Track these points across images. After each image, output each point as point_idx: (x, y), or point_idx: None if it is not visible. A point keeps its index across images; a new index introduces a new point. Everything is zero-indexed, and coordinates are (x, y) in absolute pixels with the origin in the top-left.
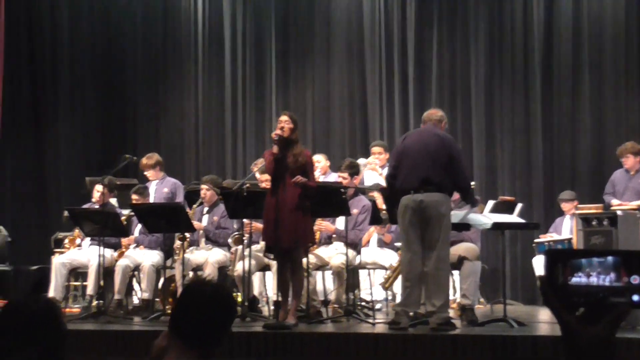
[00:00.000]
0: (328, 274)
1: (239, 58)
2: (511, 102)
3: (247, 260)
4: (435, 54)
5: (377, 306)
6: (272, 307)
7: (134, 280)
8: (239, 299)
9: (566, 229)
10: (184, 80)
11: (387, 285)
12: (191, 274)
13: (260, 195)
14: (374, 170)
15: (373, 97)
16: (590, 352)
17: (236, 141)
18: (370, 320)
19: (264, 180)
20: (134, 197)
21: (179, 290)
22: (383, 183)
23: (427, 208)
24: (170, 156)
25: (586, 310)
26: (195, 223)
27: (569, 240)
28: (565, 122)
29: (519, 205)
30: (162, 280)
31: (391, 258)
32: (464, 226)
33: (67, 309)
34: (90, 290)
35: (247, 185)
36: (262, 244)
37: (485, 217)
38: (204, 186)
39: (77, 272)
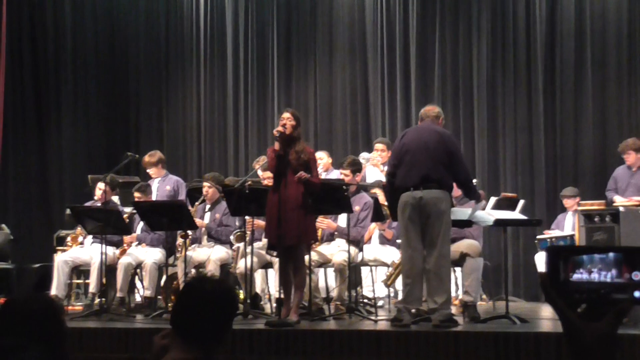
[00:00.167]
0: (330, 271)
1: (241, 56)
2: (514, 99)
3: (249, 258)
4: (437, 51)
5: (379, 303)
6: (274, 305)
7: (136, 278)
8: (241, 296)
9: (568, 226)
10: (186, 78)
11: (389, 282)
12: (193, 271)
13: (262, 192)
14: (376, 166)
15: (375, 94)
16: (593, 348)
17: (238, 139)
18: (373, 317)
19: (266, 178)
20: (137, 194)
21: (181, 287)
22: (385, 180)
23: (426, 205)
24: (172, 154)
25: (588, 307)
26: (198, 220)
27: (572, 236)
28: (567, 119)
29: (521, 202)
30: (164, 278)
31: (393, 255)
32: (465, 223)
33: (70, 307)
34: (92, 288)
35: (249, 182)
36: (264, 241)
37: (488, 213)
38: (206, 184)
39: (79, 270)
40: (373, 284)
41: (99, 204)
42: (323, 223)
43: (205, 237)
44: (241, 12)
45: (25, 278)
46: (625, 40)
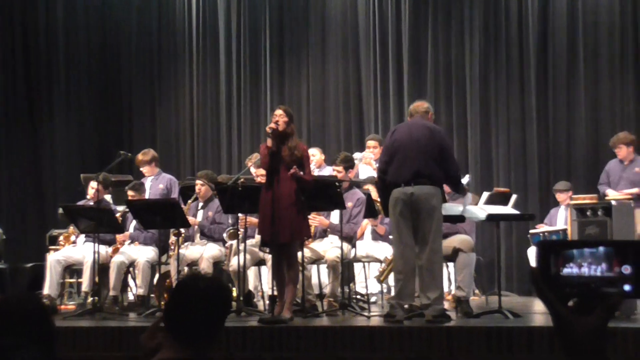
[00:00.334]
0: (323, 268)
1: (234, 53)
2: (506, 93)
3: (242, 255)
4: (430, 47)
5: (372, 299)
6: (267, 302)
7: (129, 276)
8: (234, 294)
9: (561, 220)
10: (178, 75)
11: (382, 278)
12: (186, 269)
13: (255, 189)
14: (368, 164)
15: (368, 91)
16: (583, 342)
17: (231, 136)
18: (366, 313)
19: (259, 175)
20: (130, 193)
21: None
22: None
23: (418, 200)
24: (165, 152)
25: (578, 301)
26: (190, 218)
27: (564, 230)
28: (560, 113)
29: (514, 197)
30: (157, 276)
31: (386, 251)
32: (458, 218)
33: (63, 306)
34: (85, 287)
35: (242, 180)
36: (257, 238)
37: (480, 208)
38: (198, 181)
39: (72, 269)
40: (366, 280)
41: (91, 203)
42: (315, 220)
43: (198, 235)
44: (233, 9)
45: (18, 277)
46: (617, 35)
